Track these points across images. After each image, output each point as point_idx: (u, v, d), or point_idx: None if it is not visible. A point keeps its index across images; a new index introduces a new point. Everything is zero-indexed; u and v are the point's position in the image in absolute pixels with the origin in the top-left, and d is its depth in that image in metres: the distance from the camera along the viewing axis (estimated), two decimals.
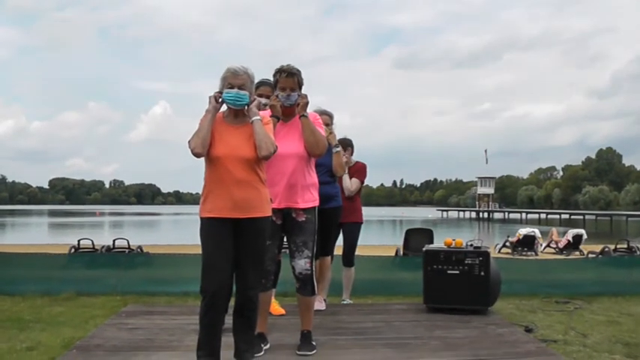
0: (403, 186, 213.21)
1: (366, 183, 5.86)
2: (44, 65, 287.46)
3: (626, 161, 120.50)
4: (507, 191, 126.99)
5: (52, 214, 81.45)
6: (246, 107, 3.42)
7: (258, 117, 3.38)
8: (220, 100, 3.41)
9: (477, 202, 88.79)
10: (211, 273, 3.30)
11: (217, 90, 3.45)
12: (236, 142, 3.36)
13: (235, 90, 3.35)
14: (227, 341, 3.58)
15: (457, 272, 5.25)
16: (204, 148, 3.31)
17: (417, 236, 9.41)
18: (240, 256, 3.38)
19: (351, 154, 5.66)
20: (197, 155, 3.33)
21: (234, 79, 3.37)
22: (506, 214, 77.27)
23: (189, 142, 3.32)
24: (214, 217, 3.34)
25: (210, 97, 3.41)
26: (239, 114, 3.44)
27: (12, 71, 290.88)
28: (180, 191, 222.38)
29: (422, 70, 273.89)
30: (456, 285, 5.23)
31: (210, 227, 3.36)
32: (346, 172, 5.44)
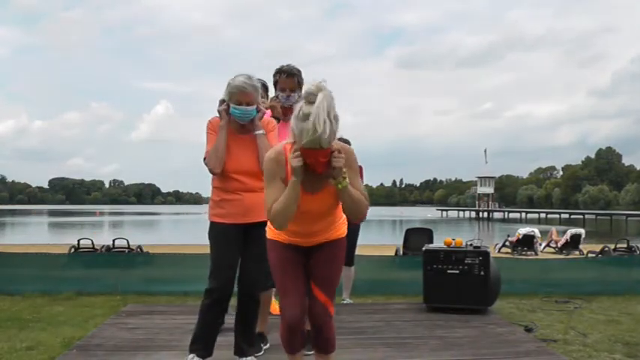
0: (403, 185, 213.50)
1: (365, 182, 5.88)
2: (47, 64, 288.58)
3: (626, 161, 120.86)
4: (507, 191, 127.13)
5: (52, 213, 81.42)
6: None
7: (262, 131, 3.42)
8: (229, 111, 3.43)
9: (476, 202, 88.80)
10: (221, 272, 3.38)
11: (222, 98, 3.44)
12: (243, 153, 3.41)
13: (244, 107, 3.38)
14: (227, 341, 3.58)
15: (457, 272, 5.26)
16: (222, 166, 3.39)
17: (417, 236, 9.42)
18: (246, 255, 3.47)
19: None
20: (216, 174, 3.42)
21: (242, 96, 3.37)
22: (506, 213, 77.29)
23: (206, 161, 3.40)
24: (225, 223, 3.42)
25: (220, 112, 3.42)
26: (245, 125, 3.48)
27: (14, 70, 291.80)
28: (180, 191, 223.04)
29: (424, 70, 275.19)
30: (455, 284, 5.23)
31: (220, 230, 3.44)
32: None
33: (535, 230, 16.69)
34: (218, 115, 3.45)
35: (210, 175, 3.50)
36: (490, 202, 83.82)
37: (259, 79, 4.23)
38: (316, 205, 2.60)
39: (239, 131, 3.46)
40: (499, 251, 15.89)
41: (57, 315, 5.24)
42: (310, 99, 2.39)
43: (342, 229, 2.81)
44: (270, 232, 2.76)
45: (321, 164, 2.46)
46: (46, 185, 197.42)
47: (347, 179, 2.48)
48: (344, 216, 2.80)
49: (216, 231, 3.46)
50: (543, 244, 17.29)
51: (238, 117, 3.40)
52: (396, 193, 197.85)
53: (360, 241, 5.80)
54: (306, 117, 2.37)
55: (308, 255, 2.78)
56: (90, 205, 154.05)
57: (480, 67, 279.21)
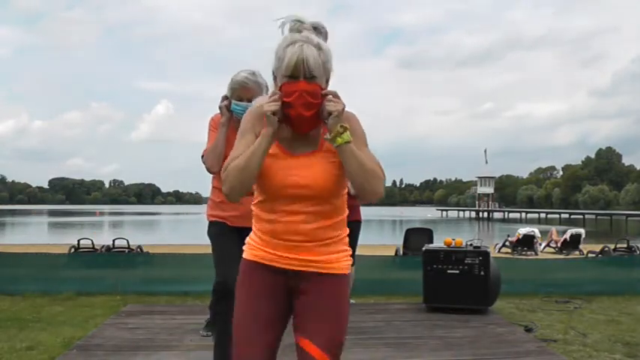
0: (403, 185, 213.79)
1: None
2: (47, 64, 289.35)
3: (626, 161, 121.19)
4: (507, 191, 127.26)
5: (52, 213, 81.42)
6: None
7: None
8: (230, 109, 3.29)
9: (476, 202, 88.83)
10: (226, 268, 3.23)
11: (225, 94, 3.31)
12: None
13: (245, 103, 3.23)
14: None
15: (457, 272, 5.26)
16: (220, 165, 3.18)
17: (417, 236, 9.40)
18: None
19: None
20: (213, 173, 3.29)
21: (243, 92, 3.23)
22: (506, 213, 77.32)
23: (204, 158, 3.27)
24: (225, 224, 3.37)
25: (221, 109, 3.29)
26: None
27: (15, 70, 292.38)
28: (180, 191, 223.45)
29: (425, 70, 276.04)
30: (455, 284, 5.23)
31: (220, 229, 3.37)
32: None
33: (535, 230, 16.69)
34: (219, 111, 3.32)
35: (211, 175, 3.42)
36: (490, 202, 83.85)
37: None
38: (304, 175, 1.80)
39: None
40: (499, 251, 15.88)
41: (57, 315, 5.24)
42: (299, 28, 1.85)
43: (343, 259, 1.91)
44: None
45: (308, 109, 1.76)
46: (46, 185, 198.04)
47: (348, 134, 1.74)
48: (349, 249, 1.95)
49: (216, 229, 3.40)
50: (543, 244, 17.28)
51: (239, 114, 3.23)
52: (396, 193, 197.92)
53: (360, 241, 5.79)
54: (292, 42, 1.78)
55: (291, 293, 1.90)
56: (90, 205, 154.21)
57: (480, 67, 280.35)
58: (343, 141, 1.73)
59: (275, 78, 1.84)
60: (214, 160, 3.24)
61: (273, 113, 1.76)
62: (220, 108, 3.31)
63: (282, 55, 1.78)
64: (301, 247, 1.86)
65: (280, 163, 1.82)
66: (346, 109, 1.82)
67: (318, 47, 1.78)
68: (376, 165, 1.80)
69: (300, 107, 1.75)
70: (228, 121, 3.28)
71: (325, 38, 1.88)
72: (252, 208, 1.98)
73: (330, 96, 1.77)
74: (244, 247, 2.05)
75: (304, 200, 1.82)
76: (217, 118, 3.36)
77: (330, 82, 1.86)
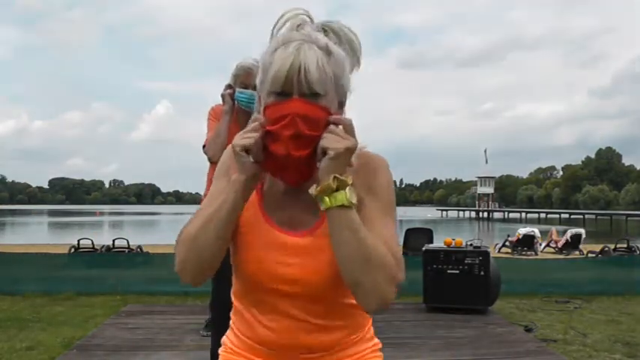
0: (403, 185, 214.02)
1: None
2: (47, 65, 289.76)
3: (626, 161, 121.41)
4: (507, 191, 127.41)
5: (52, 213, 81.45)
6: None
7: None
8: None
9: (476, 202, 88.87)
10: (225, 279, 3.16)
11: (228, 82, 3.13)
12: None
13: (250, 91, 3.01)
14: None
15: (457, 272, 5.26)
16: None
17: (417, 236, 9.41)
18: None
19: None
20: (216, 163, 3.14)
21: (248, 78, 3.02)
22: (506, 213, 77.34)
23: (205, 148, 3.11)
24: None
25: (224, 96, 3.10)
26: (252, 114, 3.17)
27: (15, 71, 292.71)
28: (180, 191, 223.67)
29: (425, 70, 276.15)
30: (455, 284, 5.24)
31: None
32: None
33: (535, 230, 16.69)
34: (222, 100, 3.13)
35: (207, 171, 3.26)
36: (490, 202, 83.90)
37: None
38: (290, 264, 1.12)
39: (247, 123, 3.17)
40: (499, 251, 15.87)
41: (57, 315, 5.24)
42: (301, 25, 1.15)
43: (368, 355, 1.25)
44: (221, 351, 1.29)
45: (301, 145, 1.05)
46: (46, 185, 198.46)
47: (349, 193, 1.03)
48: (377, 342, 1.30)
49: None
50: (543, 244, 17.29)
51: (244, 103, 3.06)
52: (395, 193, 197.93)
53: None
54: (285, 42, 1.09)
55: None
56: (90, 205, 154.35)
57: (480, 67, 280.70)
58: (335, 203, 1.03)
59: (259, 99, 1.18)
60: (217, 150, 3.05)
61: (246, 150, 1.07)
62: (223, 96, 3.13)
63: (268, 62, 1.12)
64: (301, 358, 1.19)
65: (258, 240, 1.15)
66: (366, 148, 1.18)
67: (327, 51, 1.09)
68: (387, 250, 1.08)
69: (290, 142, 1.05)
70: (231, 109, 3.09)
71: (347, 50, 1.17)
72: (232, 295, 1.29)
73: (335, 126, 1.06)
74: (219, 350, 1.30)
75: (297, 299, 1.14)
76: (218, 108, 3.18)
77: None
